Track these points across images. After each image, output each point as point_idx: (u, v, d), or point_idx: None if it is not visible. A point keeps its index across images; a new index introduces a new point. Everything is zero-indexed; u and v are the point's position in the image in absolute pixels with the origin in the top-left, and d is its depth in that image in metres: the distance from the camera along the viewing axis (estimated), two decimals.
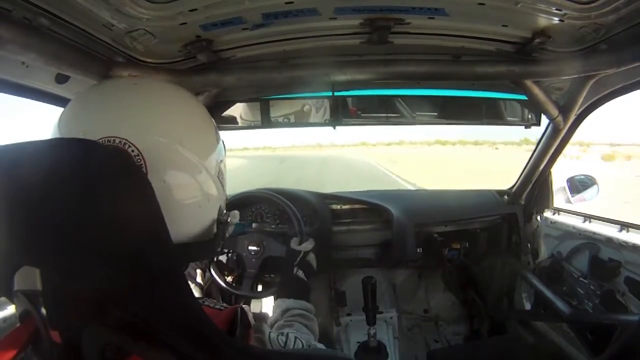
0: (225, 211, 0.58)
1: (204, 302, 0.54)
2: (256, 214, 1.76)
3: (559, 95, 1.38)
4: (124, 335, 0.41)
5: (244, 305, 0.56)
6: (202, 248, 0.55)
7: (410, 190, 2.42)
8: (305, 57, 1.18)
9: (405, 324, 2.10)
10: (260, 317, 1.38)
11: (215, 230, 0.55)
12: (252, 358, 0.47)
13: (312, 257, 1.21)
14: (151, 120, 0.50)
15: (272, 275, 1.67)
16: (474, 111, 1.45)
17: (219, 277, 1.42)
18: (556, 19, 0.92)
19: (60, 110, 0.53)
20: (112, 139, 0.47)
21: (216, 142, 0.57)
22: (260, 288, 1.63)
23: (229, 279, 1.50)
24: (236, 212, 0.86)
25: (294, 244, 1.25)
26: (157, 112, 0.52)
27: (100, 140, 0.46)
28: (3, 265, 0.41)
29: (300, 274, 1.12)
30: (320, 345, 0.70)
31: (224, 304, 0.54)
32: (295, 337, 0.59)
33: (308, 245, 1.22)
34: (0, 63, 0.81)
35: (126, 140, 0.47)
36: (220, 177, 0.56)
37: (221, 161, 0.58)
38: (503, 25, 1.01)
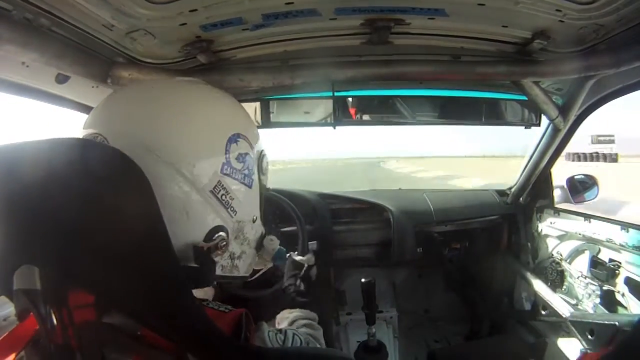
0: (222, 234, 0.52)
1: (207, 304, 0.52)
2: None
3: (559, 95, 1.38)
4: (124, 335, 0.41)
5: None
6: (190, 273, 0.48)
7: (410, 190, 2.42)
8: (305, 57, 1.18)
9: (405, 323, 2.10)
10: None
11: (191, 254, 0.48)
12: (251, 356, 0.48)
13: (313, 272, 1.16)
14: (131, 119, 0.51)
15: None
16: (474, 111, 1.45)
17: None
18: (556, 19, 0.92)
19: (60, 110, 0.54)
20: (94, 135, 0.49)
21: (221, 152, 0.51)
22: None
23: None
24: (273, 237, 0.66)
25: (295, 255, 1.19)
26: (140, 112, 0.52)
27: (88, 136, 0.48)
28: (2, 264, 0.41)
29: (302, 286, 1.08)
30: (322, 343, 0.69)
31: (229, 306, 0.52)
32: (294, 334, 0.58)
33: (311, 258, 1.17)
34: (0, 63, 0.81)
35: (99, 134, 0.48)
36: (219, 194, 0.50)
37: (227, 175, 0.51)
38: (503, 26, 1.01)
